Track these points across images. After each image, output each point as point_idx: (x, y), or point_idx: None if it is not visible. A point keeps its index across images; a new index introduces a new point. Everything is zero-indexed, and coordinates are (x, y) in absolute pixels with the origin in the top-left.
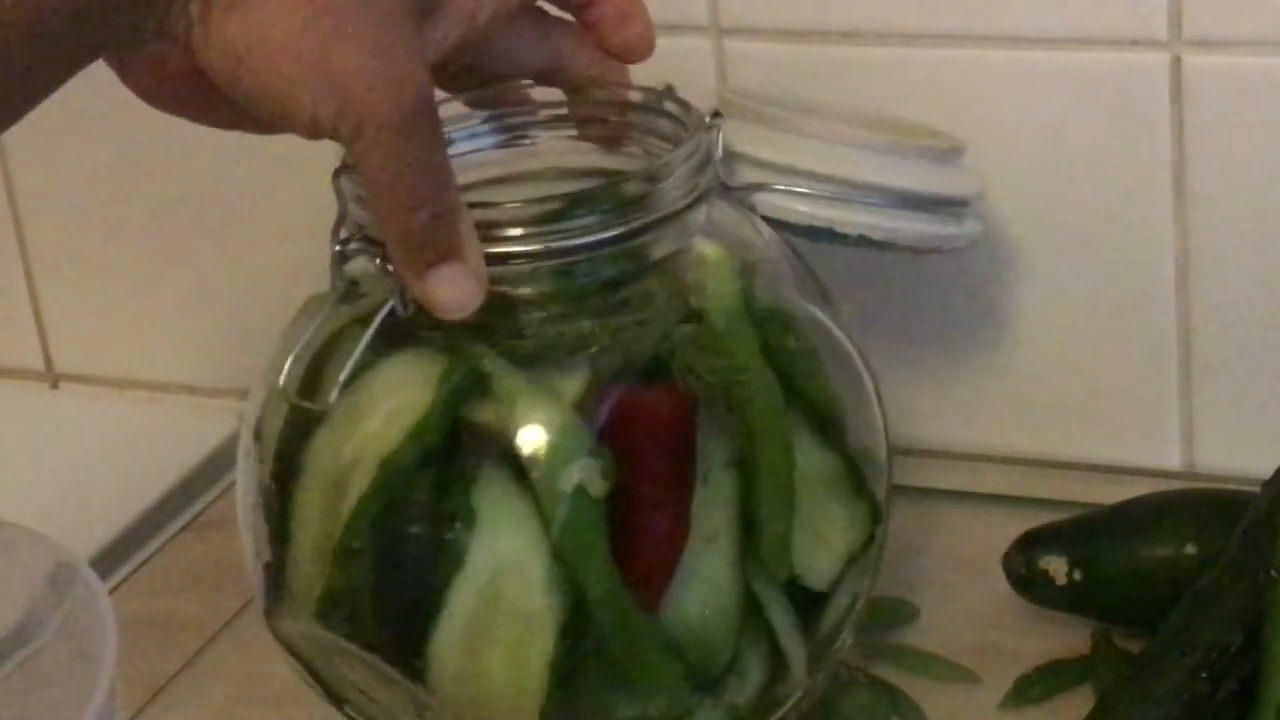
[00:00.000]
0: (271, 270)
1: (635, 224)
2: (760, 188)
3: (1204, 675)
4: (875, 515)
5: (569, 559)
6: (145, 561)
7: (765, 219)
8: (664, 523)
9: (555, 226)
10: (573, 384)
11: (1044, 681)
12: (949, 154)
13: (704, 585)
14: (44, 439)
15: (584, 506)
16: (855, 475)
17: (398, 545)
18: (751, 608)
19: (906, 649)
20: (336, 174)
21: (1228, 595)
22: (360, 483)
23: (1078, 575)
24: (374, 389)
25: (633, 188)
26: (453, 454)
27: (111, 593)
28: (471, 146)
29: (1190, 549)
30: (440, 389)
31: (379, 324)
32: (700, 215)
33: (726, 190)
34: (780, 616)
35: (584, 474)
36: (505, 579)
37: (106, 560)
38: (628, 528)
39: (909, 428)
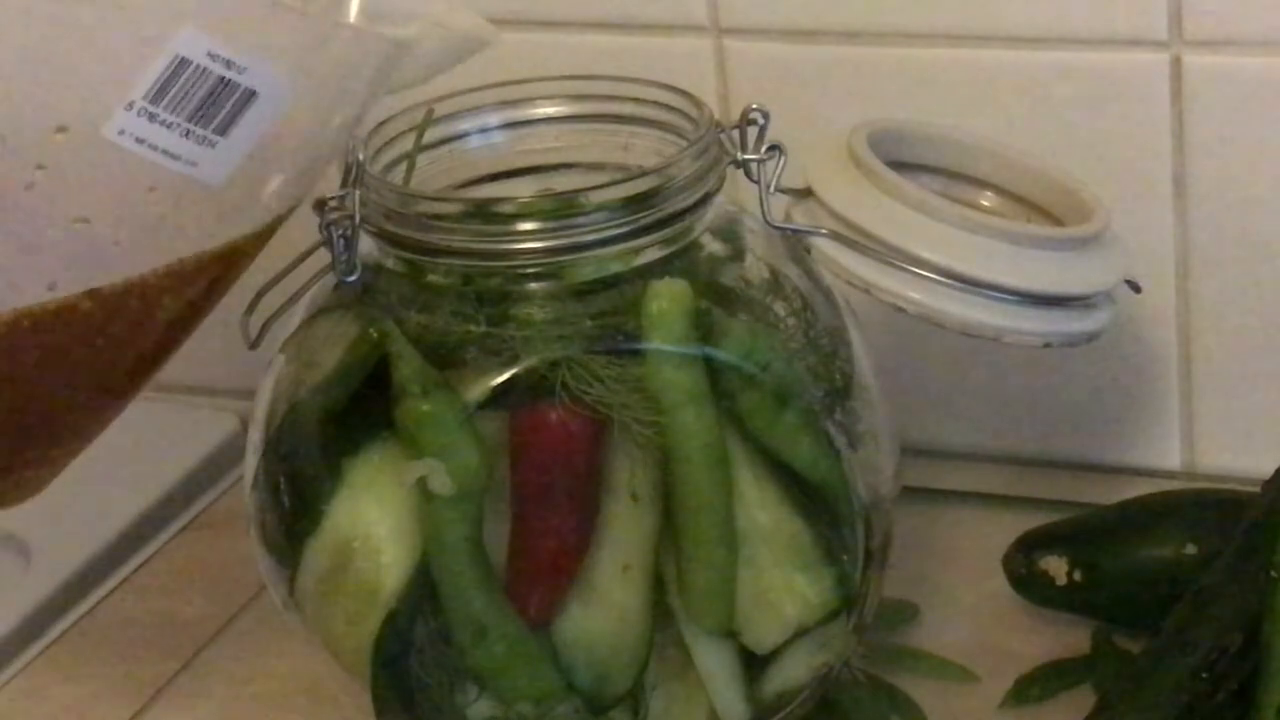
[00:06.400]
0: (273, 270)
1: (640, 223)
2: (862, 256)
3: (1204, 675)
4: (844, 590)
5: (428, 549)
6: (145, 561)
7: (851, 284)
8: (560, 539)
9: (561, 222)
10: (477, 384)
11: (1044, 681)
12: (1086, 240)
13: (607, 610)
14: None
15: (438, 502)
16: (824, 544)
17: (290, 485)
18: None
19: (906, 649)
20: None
21: (1228, 595)
22: (276, 419)
23: (1078, 575)
24: (315, 339)
25: (639, 185)
26: (363, 415)
27: (112, 593)
28: (482, 140)
29: (1190, 549)
30: (344, 357)
31: (331, 287)
32: (706, 217)
33: (792, 233)
34: (710, 667)
35: (427, 471)
36: (357, 547)
37: (107, 560)
38: (527, 535)
39: (909, 428)
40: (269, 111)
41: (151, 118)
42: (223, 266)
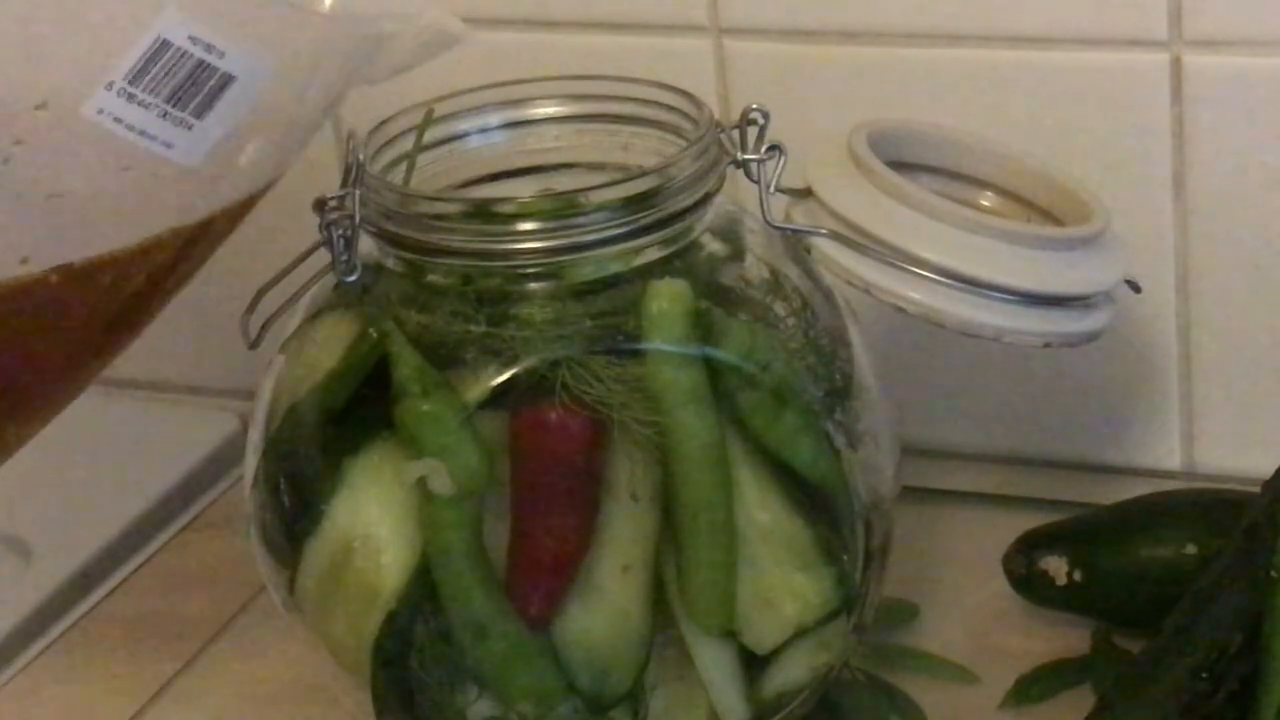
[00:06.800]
0: (273, 270)
1: (640, 223)
2: (862, 256)
3: (1204, 675)
4: (844, 590)
5: (428, 550)
6: (145, 561)
7: (852, 284)
8: (560, 539)
9: (561, 222)
10: (477, 384)
11: (1044, 681)
12: (1086, 239)
13: (607, 610)
14: (44, 439)
15: (438, 502)
16: (824, 544)
17: (290, 485)
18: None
19: (906, 649)
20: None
21: (1228, 595)
22: (276, 419)
23: (1078, 575)
24: (315, 339)
25: (639, 185)
26: (363, 415)
27: (112, 593)
28: (482, 140)
29: (1190, 549)
30: (344, 357)
31: (331, 287)
32: (706, 217)
33: (792, 233)
34: (710, 667)
35: (427, 471)
36: (357, 547)
37: (107, 560)
38: (527, 535)
39: (909, 428)
40: (246, 95)
41: (130, 98)
42: (195, 243)
